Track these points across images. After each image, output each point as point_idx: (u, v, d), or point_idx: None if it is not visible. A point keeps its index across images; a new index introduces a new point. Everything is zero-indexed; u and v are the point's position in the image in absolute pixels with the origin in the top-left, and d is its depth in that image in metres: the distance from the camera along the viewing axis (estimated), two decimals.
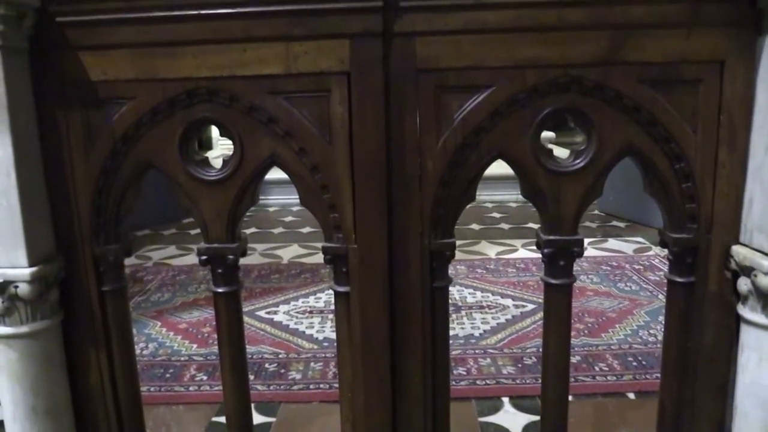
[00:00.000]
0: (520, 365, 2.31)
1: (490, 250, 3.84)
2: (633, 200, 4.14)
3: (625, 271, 3.37)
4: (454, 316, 2.74)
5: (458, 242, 1.07)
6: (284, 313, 2.90)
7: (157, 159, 1.02)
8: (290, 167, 1.01)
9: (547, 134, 5.14)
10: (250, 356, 2.33)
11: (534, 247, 1.07)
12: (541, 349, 1.15)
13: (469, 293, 3.09)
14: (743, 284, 0.97)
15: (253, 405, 1.28)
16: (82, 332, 1.08)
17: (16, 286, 0.97)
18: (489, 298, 3.03)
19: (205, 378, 2.30)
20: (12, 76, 0.93)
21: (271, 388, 2.22)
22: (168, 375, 2.33)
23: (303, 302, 3.03)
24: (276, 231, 4.48)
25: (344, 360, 1.09)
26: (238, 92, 0.97)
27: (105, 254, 1.07)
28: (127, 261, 1.13)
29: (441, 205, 1.01)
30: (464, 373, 2.27)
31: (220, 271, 1.07)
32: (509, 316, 2.78)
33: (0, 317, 0.99)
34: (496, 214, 4.80)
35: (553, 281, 1.06)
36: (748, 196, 0.97)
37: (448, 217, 1.03)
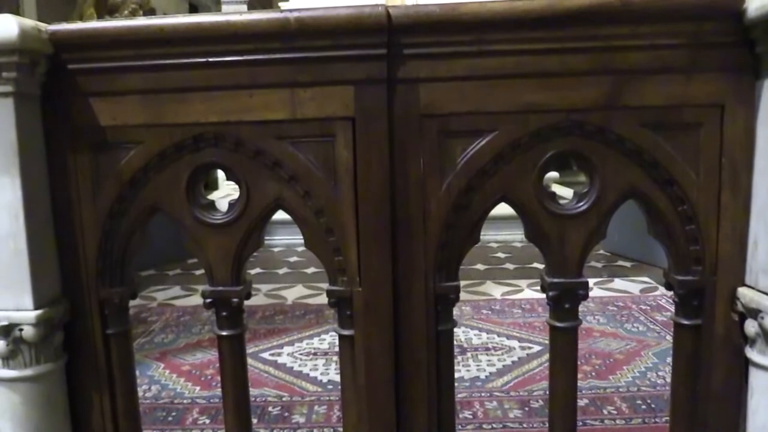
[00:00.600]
0: (527, 408, 2.28)
1: (496, 291, 3.82)
2: (638, 240, 4.13)
3: (631, 312, 3.34)
4: (459, 358, 2.71)
5: (463, 282, 1.08)
6: (288, 354, 2.88)
7: (163, 202, 1.03)
8: (295, 211, 1.02)
9: (550, 174, 5.16)
10: (253, 399, 2.30)
11: (540, 288, 1.07)
12: (548, 392, 1.14)
13: (475, 334, 3.06)
14: (750, 327, 0.96)
15: None
16: (85, 376, 1.08)
17: (21, 329, 0.98)
18: (495, 339, 3.00)
19: (207, 422, 2.27)
20: (24, 122, 0.95)
21: (275, 431, 2.18)
22: (170, 418, 2.30)
23: (307, 344, 3.00)
24: (281, 271, 4.47)
25: (349, 403, 1.08)
26: (244, 137, 0.99)
27: (110, 297, 1.07)
28: (132, 301, 1.14)
29: (445, 248, 1.01)
30: (470, 417, 2.23)
31: (224, 314, 1.07)
32: (515, 358, 2.75)
33: (4, 360, 0.99)
34: (501, 254, 4.79)
35: (559, 324, 1.06)
36: (753, 237, 0.97)
37: (452, 260, 1.03)
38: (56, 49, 0.96)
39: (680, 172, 0.97)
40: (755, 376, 0.97)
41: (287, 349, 2.95)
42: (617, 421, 2.17)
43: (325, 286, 1.05)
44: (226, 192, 6.26)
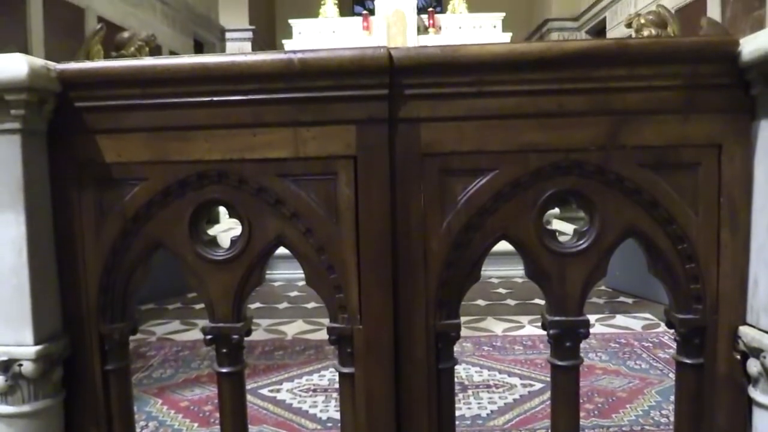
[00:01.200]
0: None
1: (497, 327, 3.80)
2: (640, 276, 4.11)
3: (634, 349, 3.31)
4: (460, 395, 2.68)
5: (464, 318, 1.07)
6: (287, 391, 2.85)
7: (166, 239, 1.04)
8: (297, 248, 1.02)
9: (551, 210, 5.17)
10: None
11: (541, 325, 1.07)
12: (550, 431, 1.13)
13: (476, 371, 3.03)
14: (753, 366, 0.95)
15: None
16: (83, 412, 1.07)
17: (21, 365, 0.97)
18: (496, 376, 2.97)
19: None
20: (30, 158, 0.96)
21: None
22: None
23: (307, 380, 2.97)
24: (281, 306, 4.45)
25: None
26: (247, 175, 1.00)
27: (111, 333, 1.07)
28: (131, 336, 1.13)
29: (446, 286, 1.02)
30: None
31: (224, 350, 1.07)
32: (517, 396, 2.72)
33: (2, 396, 0.98)
34: (501, 290, 4.77)
35: (560, 363, 1.05)
36: (753, 276, 0.97)
37: (453, 298, 1.03)
38: (64, 87, 0.98)
39: (679, 210, 0.98)
40: (759, 416, 0.96)
41: (286, 386, 2.92)
42: None
43: (326, 321, 1.05)
44: (227, 225, 6.26)
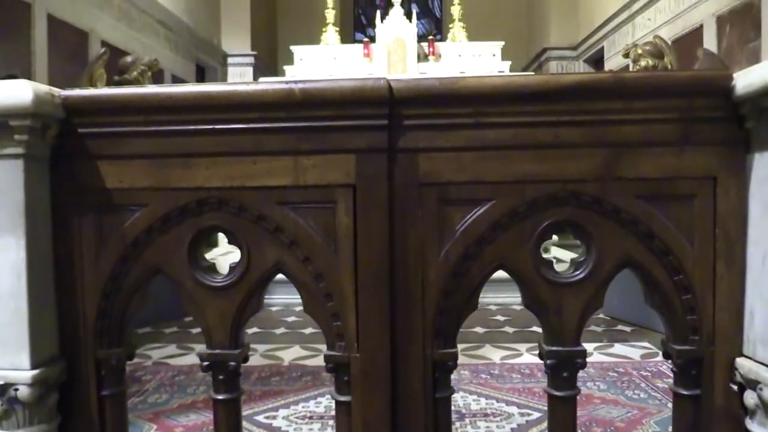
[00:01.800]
0: None
1: (495, 355, 3.77)
2: (638, 304, 4.08)
3: (632, 378, 3.29)
4: (457, 424, 2.66)
5: (462, 346, 1.07)
6: (283, 418, 2.82)
7: (165, 264, 1.04)
8: (295, 275, 1.03)
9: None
10: None
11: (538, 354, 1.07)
12: None
13: (473, 400, 3.01)
14: (750, 398, 0.95)
15: None
16: None
17: (17, 389, 0.97)
18: (494, 405, 2.94)
19: None
20: (31, 183, 0.97)
21: None
22: None
23: (303, 407, 2.95)
24: (278, 331, 4.42)
25: None
26: (247, 202, 1.01)
27: (108, 358, 1.07)
28: (127, 361, 1.13)
29: (443, 315, 1.02)
30: None
31: (221, 377, 1.07)
32: (514, 425, 2.70)
33: None
34: (500, 317, 4.75)
35: (557, 393, 1.05)
36: (749, 308, 0.97)
37: (450, 327, 1.03)
38: (68, 114, 0.99)
39: (675, 242, 0.99)
40: None
41: (282, 412, 2.89)
42: None
43: (323, 347, 1.05)
44: (226, 249, 6.26)
